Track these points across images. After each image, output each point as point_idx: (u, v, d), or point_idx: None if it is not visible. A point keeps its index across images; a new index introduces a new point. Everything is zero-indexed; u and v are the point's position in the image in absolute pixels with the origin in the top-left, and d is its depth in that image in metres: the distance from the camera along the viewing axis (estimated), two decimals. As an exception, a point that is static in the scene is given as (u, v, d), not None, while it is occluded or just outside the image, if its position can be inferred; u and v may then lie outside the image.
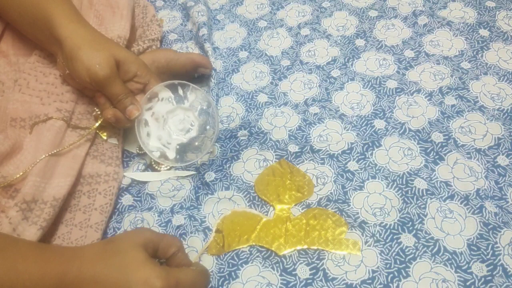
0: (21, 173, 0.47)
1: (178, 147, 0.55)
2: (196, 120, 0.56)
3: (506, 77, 0.59)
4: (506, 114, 0.55)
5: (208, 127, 0.55)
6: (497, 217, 0.47)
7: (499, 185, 0.50)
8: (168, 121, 0.55)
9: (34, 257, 0.40)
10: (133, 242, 0.41)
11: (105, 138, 0.56)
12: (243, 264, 0.47)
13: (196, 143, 0.55)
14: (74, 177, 0.50)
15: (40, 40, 0.54)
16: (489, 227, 0.47)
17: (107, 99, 0.53)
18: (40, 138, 0.50)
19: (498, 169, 0.51)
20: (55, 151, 0.49)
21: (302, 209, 0.50)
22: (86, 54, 0.49)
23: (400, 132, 0.55)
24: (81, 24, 0.52)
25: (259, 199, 0.52)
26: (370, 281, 0.45)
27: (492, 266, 0.44)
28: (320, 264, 0.46)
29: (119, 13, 0.61)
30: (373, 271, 0.45)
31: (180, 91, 0.56)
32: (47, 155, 0.48)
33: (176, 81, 0.55)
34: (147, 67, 0.54)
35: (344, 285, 0.45)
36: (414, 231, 0.47)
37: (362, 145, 0.55)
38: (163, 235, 0.44)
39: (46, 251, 0.41)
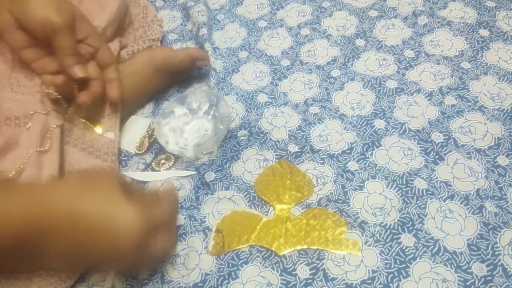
0: (20, 166, 0.47)
1: (195, 148, 0.57)
2: (209, 122, 0.59)
3: (506, 77, 0.59)
4: (506, 114, 0.55)
5: (221, 123, 0.58)
6: (497, 217, 0.47)
7: (499, 185, 0.50)
8: (184, 132, 0.58)
9: (2, 196, 0.38)
10: (110, 179, 0.40)
11: (100, 132, 0.56)
12: (243, 264, 0.47)
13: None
14: (57, 153, 0.49)
15: None
16: (489, 227, 0.47)
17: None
18: (31, 133, 0.50)
19: (498, 169, 0.51)
20: (44, 148, 0.49)
21: (302, 209, 0.50)
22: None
23: (400, 132, 0.55)
24: None
25: (259, 199, 0.52)
26: (370, 281, 0.45)
27: (492, 266, 0.44)
28: (320, 264, 0.46)
29: (109, 11, 0.61)
30: (373, 271, 0.45)
31: (189, 100, 0.60)
32: (35, 150, 0.48)
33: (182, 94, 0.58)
34: (99, 34, 0.53)
35: (344, 285, 0.45)
36: (414, 231, 0.47)
37: (362, 145, 0.55)
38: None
39: (15, 190, 0.40)
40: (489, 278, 0.44)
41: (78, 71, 0.50)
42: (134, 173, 0.56)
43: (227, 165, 0.55)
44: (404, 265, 0.45)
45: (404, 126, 0.56)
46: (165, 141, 0.57)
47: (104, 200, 0.38)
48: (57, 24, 0.47)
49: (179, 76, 0.65)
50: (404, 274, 0.45)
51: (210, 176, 0.55)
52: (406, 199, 0.50)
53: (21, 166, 0.47)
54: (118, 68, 0.55)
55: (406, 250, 0.46)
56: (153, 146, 0.59)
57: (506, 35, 0.64)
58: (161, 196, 0.45)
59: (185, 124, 0.59)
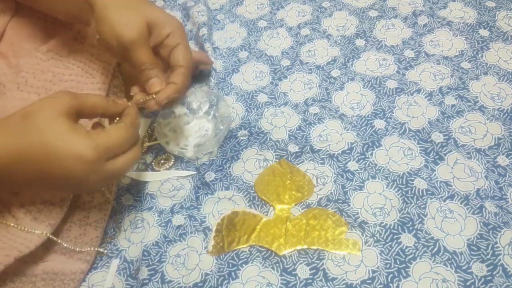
0: None
1: (195, 148, 0.57)
2: (209, 122, 0.58)
3: (506, 77, 0.59)
4: (506, 114, 0.55)
5: (221, 122, 0.58)
6: (497, 217, 0.47)
7: (499, 185, 0.50)
8: (184, 132, 0.58)
9: None
10: (53, 112, 0.39)
11: None
12: (243, 264, 0.47)
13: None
14: None
15: (71, 11, 0.50)
16: (489, 227, 0.47)
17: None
18: None
19: (498, 169, 0.51)
20: None
21: (302, 209, 0.50)
22: (114, 14, 0.45)
23: (400, 132, 0.55)
24: None
25: (259, 199, 0.52)
26: (370, 281, 0.45)
27: (492, 266, 0.44)
28: (320, 264, 0.46)
29: None
30: (373, 271, 0.45)
31: (189, 100, 0.59)
32: None
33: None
34: (182, 29, 0.49)
35: (344, 285, 0.45)
36: (414, 231, 0.47)
37: (362, 145, 0.55)
38: (85, 95, 0.42)
39: None
40: (489, 278, 0.44)
41: (152, 88, 0.47)
42: (134, 173, 0.56)
43: (227, 165, 0.55)
44: (404, 265, 0.45)
45: (404, 126, 0.56)
46: (165, 141, 0.57)
47: (47, 140, 0.38)
48: (127, 41, 0.45)
49: None
50: (404, 274, 0.45)
51: (210, 176, 0.55)
52: (406, 199, 0.50)
53: None
54: (186, 74, 0.49)
55: (406, 250, 0.46)
56: (153, 146, 0.59)
57: (506, 35, 0.64)
58: (124, 114, 0.44)
59: (185, 124, 0.59)
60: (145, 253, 0.50)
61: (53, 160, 0.38)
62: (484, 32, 0.64)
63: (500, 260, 0.45)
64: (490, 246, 0.45)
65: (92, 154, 0.38)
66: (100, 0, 0.46)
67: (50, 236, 0.47)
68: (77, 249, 0.49)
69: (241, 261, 0.47)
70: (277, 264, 0.47)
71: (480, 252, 0.45)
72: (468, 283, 0.44)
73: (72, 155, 0.38)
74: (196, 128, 0.58)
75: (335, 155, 0.54)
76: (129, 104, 0.46)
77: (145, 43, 0.46)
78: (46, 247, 0.48)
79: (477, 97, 0.57)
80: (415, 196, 0.50)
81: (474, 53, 0.62)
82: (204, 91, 0.61)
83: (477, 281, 0.44)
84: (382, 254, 0.46)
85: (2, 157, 0.38)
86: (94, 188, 0.45)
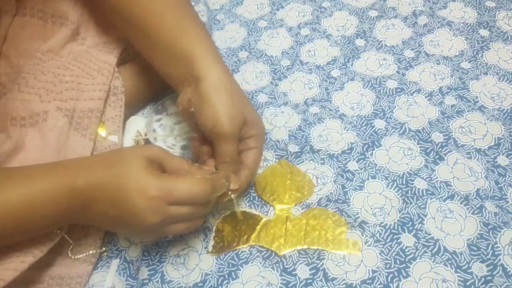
0: None
1: (182, 150, 0.56)
2: None
3: (506, 77, 0.59)
4: (506, 114, 0.55)
5: None
6: (497, 217, 0.47)
7: (499, 185, 0.50)
8: (174, 131, 0.58)
9: (42, 176, 0.41)
10: (138, 153, 0.43)
11: (104, 135, 0.56)
12: (243, 264, 0.47)
13: None
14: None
15: (168, 72, 0.52)
16: (489, 227, 0.47)
17: (209, 151, 0.49)
18: (44, 138, 0.50)
19: (498, 169, 0.51)
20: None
21: (302, 209, 0.50)
22: (222, 102, 0.46)
23: (400, 132, 0.55)
24: (222, 66, 0.49)
25: (259, 199, 0.52)
26: (370, 281, 0.45)
27: (492, 266, 0.44)
28: (320, 264, 0.46)
29: None
30: (373, 271, 0.45)
31: None
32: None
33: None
34: (264, 135, 0.53)
35: (344, 285, 0.45)
36: (414, 231, 0.47)
37: (362, 145, 0.55)
38: (173, 157, 0.45)
39: (53, 168, 0.43)
40: (489, 278, 0.44)
41: (230, 184, 0.47)
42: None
43: (227, 165, 0.55)
44: (404, 265, 0.45)
45: (404, 126, 0.56)
46: (154, 137, 0.56)
47: (124, 172, 0.41)
48: (226, 133, 0.46)
49: None
50: (404, 274, 0.45)
51: (210, 176, 0.55)
52: (406, 199, 0.50)
53: None
54: (249, 177, 0.50)
55: (406, 250, 0.46)
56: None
57: (506, 35, 0.64)
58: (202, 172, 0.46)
59: (176, 123, 0.58)
60: (145, 253, 0.50)
61: (122, 188, 0.41)
62: (484, 32, 0.64)
63: (500, 260, 0.45)
64: (490, 246, 0.45)
65: (155, 192, 0.40)
66: (210, 80, 0.47)
67: (65, 236, 0.47)
68: (83, 254, 0.49)
69: (241, 261, 0.47)
70: (277, 264, 0.47)
71: (480, 252, 0.45)
72: (468, 283, 0.44)
73: (137, 187, 0.40)
74: (186, 129, 0.57)
75: (335, 155, 0.54)
76: (214, 169, 0.47)
77: (237, 138, 0.48)
78: (52, 250, 0.48)
79: (477, 97, 0.57)
80: (415, 196, 0.50)
81: (474, 53, 0.62)
82: None
83: (477, 281, 0.44)
84: (382, 254, 0.46)
85: (91, 181, 0.41)
86: (151, 232, 0.46)
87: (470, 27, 0.65)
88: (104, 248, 0.51)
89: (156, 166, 0.43)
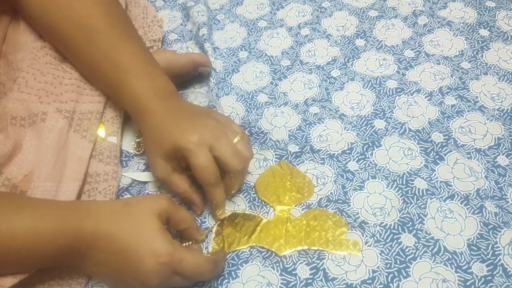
0: (25, 174, 0.46)
1: None
2: None
3: (506, 77, 0.59)
4: (506, 114, 0.55)
5: None
6: (497, 217, 0.47)
7: (499, 185, 0.50)
8: None
9: (51, 216, 0.41)
10: (149, 209, 0.43)
11: (103, 136, 0.55)
12: (243, 264, 0.47)
13: None
14: (81, 181, 0.50)
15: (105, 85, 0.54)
16: (489, 227, 0.47)
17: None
18: (41, 139, 0.49)
19: (498, 169, 0.51)
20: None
21: (302, 210, 0.50)
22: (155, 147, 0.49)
23: (400, 132, 0.55)
24: (164, 99, 0.51)
25: (259, 200, 0.52)
26: (370, 281, 0.45)
27: (492, 266, 0.44)
28: (320, 264, 0.46)
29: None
30: (373, 271, 0.45)
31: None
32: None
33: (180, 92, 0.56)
34: (220, 137, 0.51)
35: (344, 285, 0.45)
36: (414, 231, 0.47)
37: (362, 145, 0.55)
38: (179, 208, 0.46)
39: (62, 209, 0.42)
40: (489, 278, 0.44)
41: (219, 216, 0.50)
42: (134, 174, 0.56)
43: (227, 165, 0.55)
44: (404, 265, 0.45)
45: (404, 126, 0.56)
46: None
47: (137, 230, 0.42)
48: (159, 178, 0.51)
49: (179, 79, 0.65)
50: (404, 274, 0.45)
51: (210, 176, 0.55)
52: (406, 199, 0.50)
53: (26, 175, 0.47)
54: (235, 183, 0.52)
55: (406, 250, 0.46)
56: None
57: (506, 35, 0.64)
58: (212, 252, 0.48)
59: None
60: (145, 253, 0.50)
61: (133, 246, 0.41)
62: (484, 32, 0.64)
63: (500, 260, 0.45)
64: (490, 246, 0.46)
65: (166, 258, 0.41)
66: (156, 116, 0.49)
67: None
68: None
69: (241, 261, 0.47)
70: (277, 264, 0.47)
71: (480, 252, 0.45)
72: (468, 283, 0.44)
73: (150, 249, 0.41)
74: None
75: (335, 155, 0.54)
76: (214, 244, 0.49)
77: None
78: None
79: (477, 97, 0.57)
80: (415, 196, 0.50)
81: (474, 53, 0.62)
82: (201, 94, 0.61)
83: (477, 281, 0.44)
84: (382, 254, 0.46)
85: (98, 230, 0.41)
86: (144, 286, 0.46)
87: (470, 27, 0.65)
88: None
89: (163, 219, 0.44)
